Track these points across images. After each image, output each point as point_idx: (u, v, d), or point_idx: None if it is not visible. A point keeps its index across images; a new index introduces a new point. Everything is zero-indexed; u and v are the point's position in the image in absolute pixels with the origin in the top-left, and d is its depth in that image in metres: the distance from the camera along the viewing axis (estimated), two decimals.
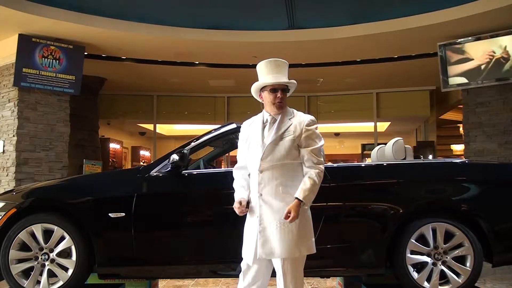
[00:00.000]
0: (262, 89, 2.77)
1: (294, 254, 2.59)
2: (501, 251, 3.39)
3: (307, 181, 2.61)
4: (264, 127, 2.75)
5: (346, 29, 7.50)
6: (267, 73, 2.75)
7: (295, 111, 2.81)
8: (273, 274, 2.73)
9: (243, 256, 2.74)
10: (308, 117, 2.77)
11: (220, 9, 7.44)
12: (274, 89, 2.72)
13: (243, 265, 2.74)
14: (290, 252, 2.58)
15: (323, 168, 2.69)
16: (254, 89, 2.80)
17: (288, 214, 2.53)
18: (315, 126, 2.75)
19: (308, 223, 2.69)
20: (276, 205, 2.62)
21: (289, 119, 2.73)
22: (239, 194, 2.76)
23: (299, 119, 2.74)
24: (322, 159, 2.71)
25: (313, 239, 2.70)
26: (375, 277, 3.66)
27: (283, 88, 2.73)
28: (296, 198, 2.57)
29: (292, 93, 2.86)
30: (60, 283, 3.32)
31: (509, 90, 7.35)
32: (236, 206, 2.69)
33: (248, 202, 2.71)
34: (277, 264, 2.63)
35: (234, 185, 2.83)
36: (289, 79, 2.77)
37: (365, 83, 10.51)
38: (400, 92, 11.05)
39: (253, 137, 2.77)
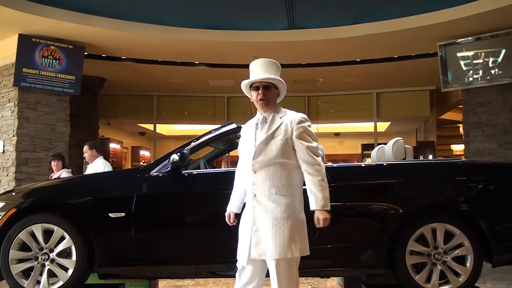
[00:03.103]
0: (250, 88, 2.78)
1: (286, 255, 2.57)
2: (501, 251, 3.38)
3: (314, 190, 2.60)
4: (256, 128, 2.76)
5: (346, 29, 7.51)
6: (253, 71, 2.76)
7: (287, 110, 2.79)
8: (269, 274, 2.73)
9: (237, 257, 2.74)
10: (299, 115, 2.73)
11: (220, 9, 7.44)
12: (256, 86, 2.73)
13: (238, 265, 2.75)
14: (283, 253, 2.57)
15: (322, 166, 2.66)
16: (243, 89, 2.83)
17: (320, 223, 2.59)
18: (307, 124, 2.71)
19: (302, 225, 2.67)
20: (270, 206, 2.61)
21: (280, 118, 2.72)
22: (230, 206, 2.90)
23: (290, 117, 2.71)
24: (319, 158, 2.67)
25: (307, 241, 2.68)
26: (375, 277, 3.66)
27: (265, 85, 2.71)
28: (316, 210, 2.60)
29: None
30: (60, 283, 3.32)
31: (509, 90, 7.35)
32: (226, 219, 2.89)
33: (236, 214, 2.86)
34: (271, 265, 2.62)
35: (233, 190, 2.93)
36: (281, 80, 2.75)
37: (365, 83, 10.52)
38: (400, 92, 11.06)
39: (247, 138, 2.78)
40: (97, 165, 5.75)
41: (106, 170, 5.72)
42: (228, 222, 2.87)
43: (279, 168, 2.64)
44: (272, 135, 2.67)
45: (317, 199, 2.59)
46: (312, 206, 2.60)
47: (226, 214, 2.89)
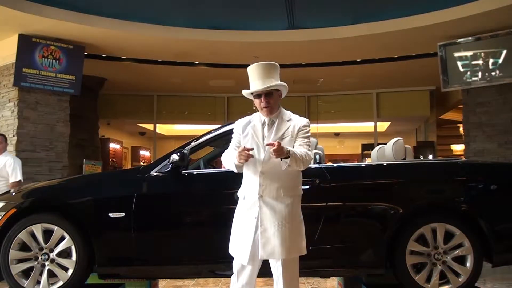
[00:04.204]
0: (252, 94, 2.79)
1: (293, 254, 2.66)
2: (501, 251, 3.38)
3: (296, 150, 2.57)
4: (263, 129, 2.77)
5: (346, 29, 7.51)
6: (253, 78, 2.76)
7: (291, 113, 2.84)
8: (264, 275, 2.75)
9: (235, 256, 2.74)
10: (305, 120, 2.82)
11: (220, 9, 7.44)
12: (258, 94, 2.73)
13: (236, 265, 2.75)
14: (290, 252, 2.64)
15: (311, 159, 2.71)
16: (245, 95, 2.84)
17: (273, 148, 2.46)
18: (309, 129, 2.80)
19: (302, 225, 2.75)
20: (277, 206, 2.65)
21: (287, 121, 2.77)
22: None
23: (296, 121, 2.79)
24: (311, 154, 2.77)
25: (305, 239, 2.76)
26: (375, 277, 3.66)
27: (267, 93, 2.72)
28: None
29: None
30: (60, 283, 3.32)
31: (509, 90, 7.34)
32: (241, 151, 2.59)
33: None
34: (277, 265, 2.65)
35: (228, 156, 2.77)
36: (281, 80, 2.77)
37: (365, 83, 10.51)
38: (400, 92, 11.05)
39: (252, 137, 2.77)
40: (7, 160, 5.56)
41: (17, 163, 5.57)
42: (244, 154, 2.59)
43: (286, 170, 2.64)
44: (281, 138, 2.71)
45: (293, 151, 2.53)
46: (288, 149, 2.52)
47: (240, 149, 2.61)
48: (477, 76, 7.38)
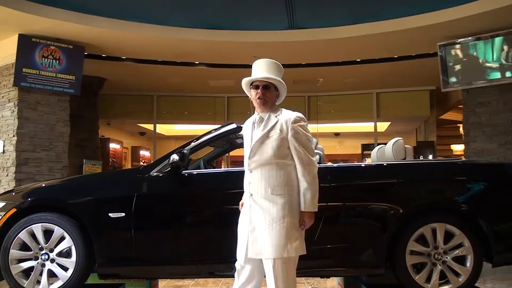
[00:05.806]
0: (250, 87, 2.81)
1: (282, 255, 2.57)
2: (501, 251, 3.39)
3: (304, 191, 2.65)
4: (252, 128, 2.78)
5: (346, 29, 7.50)
6: (256, 71, 2.79)
7: (283, 109, 2.80)
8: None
9: (237, 256, 2.75)
10: (295, 114, 2.74)
11: (220, 9, 7.44)
12: (256, 85, 2.75)
13: (237, 265, 2.75)
14: (279, 252, 2.57)
15: (315, 167, 2.70)
16: (243, 88, 2.85)
17: (304, 225, 2.67)
18: (302, 123, 2.72)
19: (295, 225, 2.67)
20: (265, 205, 2.62)
21: (276, 117, 2.73)
22: (244, 196, 2.86)
23: (286, 116, 2.72)
24: (314, 158, 2.71)
25: (303, 240, 2.69)
26: (375, 277, 3.66)
27: (265, 85, 2.73)
28: (303, 211, 2.66)
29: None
30: (60, 283, 3.32)
31: (509, 90, 7.34)
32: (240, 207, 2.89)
33: None
34: (267, 265, 2.60)
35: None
36: (281, 81, 2.77)
37: (365, 83, 10.51)
38: (400, 92, 11.05)
39: (246, 137, 2.82)
40: None
41: None
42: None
43: (274, 168, 2.64)
44: (267, 134, 2.68)
45: (305, 201, 2.65)
46: (301, 207, 2.66)
47: (240, 203, 2.89)
48: (477, 76, 7.37)
